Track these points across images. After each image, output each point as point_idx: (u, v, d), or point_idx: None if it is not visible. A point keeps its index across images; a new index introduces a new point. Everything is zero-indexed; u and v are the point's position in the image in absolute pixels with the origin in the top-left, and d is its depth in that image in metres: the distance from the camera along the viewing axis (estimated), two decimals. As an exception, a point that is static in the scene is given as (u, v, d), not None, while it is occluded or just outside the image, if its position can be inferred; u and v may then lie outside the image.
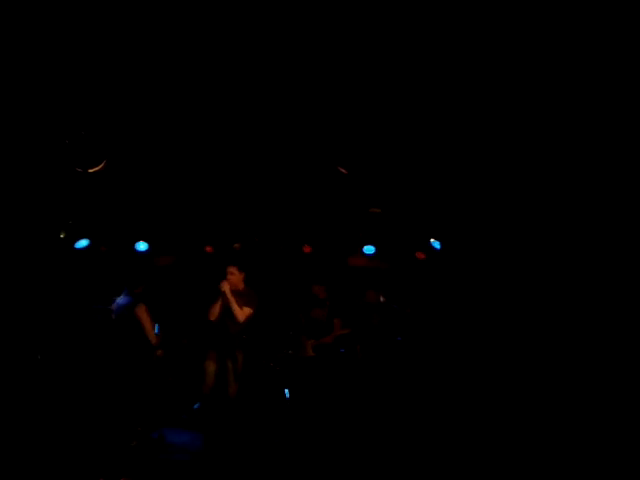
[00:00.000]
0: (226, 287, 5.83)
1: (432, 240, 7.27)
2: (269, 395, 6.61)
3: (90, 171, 5.59)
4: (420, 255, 7.57)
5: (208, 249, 7.89)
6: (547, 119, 5.41)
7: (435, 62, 5.15)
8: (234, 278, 5.94)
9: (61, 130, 5.53)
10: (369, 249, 7.71)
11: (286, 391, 6.76)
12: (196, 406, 6.61)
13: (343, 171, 6.04)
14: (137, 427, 5.81)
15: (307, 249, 7.78)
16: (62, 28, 4.98)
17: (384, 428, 6.09)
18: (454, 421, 6.09)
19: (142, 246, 7.50)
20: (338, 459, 5.15)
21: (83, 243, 7.20)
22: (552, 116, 5.38)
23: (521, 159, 5.82)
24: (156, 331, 6.26)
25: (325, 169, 6.95)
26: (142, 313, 5.86)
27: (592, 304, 5.53)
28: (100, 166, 5.58)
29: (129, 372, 5.94)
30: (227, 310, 5.87)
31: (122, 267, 7.43)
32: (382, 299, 6.66)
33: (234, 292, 5.88)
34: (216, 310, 5.90)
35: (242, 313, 5.85)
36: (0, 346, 6.08)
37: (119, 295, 6.12)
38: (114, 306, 6.12)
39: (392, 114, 5.79)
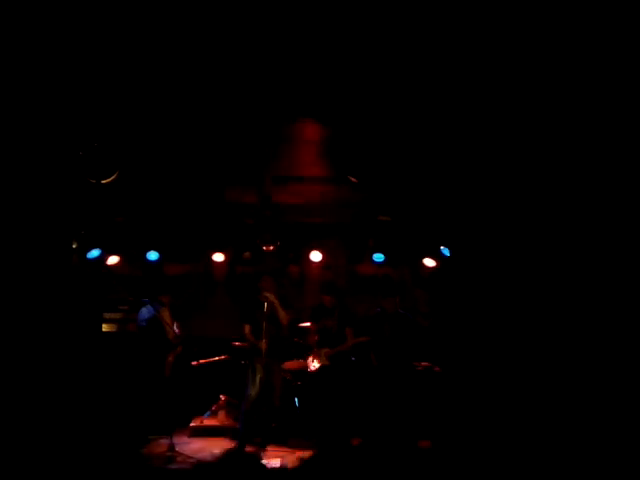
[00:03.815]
0: (271, 296, 6.27)
1: (442, 247, 7.27)
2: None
3: (103, 182, 5.65)
4: (429, 263, 7.56)
5: (219, 258, 7.92)
6: (556, 129, 5.44)
7: (449, 73, 5.20)
8: (271, 287, 6.36)
9: (75, 142, 5.59)
10: (379, 257, 7.71)
11: (296, 400, 6.79)
12: (207, 414, 6.62)
13: (353, 180, 6.08)
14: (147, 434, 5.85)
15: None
16: (79, 42, 5.07)
17: (397, 435, 6.09)
18: (466, 427, 6.08)
19: (153, 255, 7.54)
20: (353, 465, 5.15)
21: (95, 253, 7.25)
22: (562, 127, 5.41)
23: (530, 166, 5.84)
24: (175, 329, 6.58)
25: (333, 177, 7.02)
26: (165, 315, 6.44)
27: (603, 308, 5.53)
28: (113, 177, 5.64)
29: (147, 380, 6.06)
30: (271, 318, 6.28)
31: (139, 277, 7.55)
32: (394, 307, 6.65)
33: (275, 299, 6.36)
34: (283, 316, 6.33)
35: (286, 317, 6.34)
36: (12, 354, 6.11)
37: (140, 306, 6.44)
38: (139, 318, 6.52)
39: (401, 122, 5.82)
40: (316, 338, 6.93)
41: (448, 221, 7.09)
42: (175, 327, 6.60)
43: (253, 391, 6.19)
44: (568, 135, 5.57)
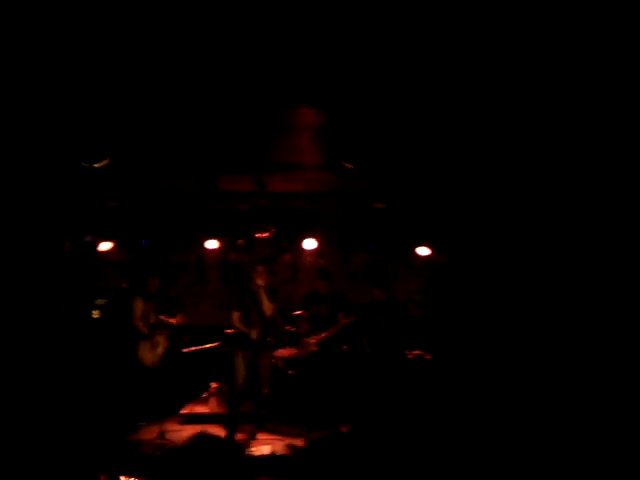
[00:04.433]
0: (260, 286, 6.29)
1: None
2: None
3: (96, 166, 5.60)
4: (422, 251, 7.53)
5: (212, 245, 7.88)
6: (551, 118, 5.39)
7: (447, 58, 5.14)
8: (263, 277, 6.38)
9: (67, 126, 5.53)
10: (373, 245, 7.70)
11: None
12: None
13: (348, 166, 6.03)
14: (137, 421, 5.83)
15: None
16: (70, 27, 5.00)
17: (390, 425, 6.08)
18: (461, 421, 6.06)
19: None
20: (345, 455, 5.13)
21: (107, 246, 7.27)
22: (557, 115, 5.36)
23: (529, 156, 5.79)
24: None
25: (329, 164, 6.96)
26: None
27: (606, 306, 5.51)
28: (105, 161, 5.59)
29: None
30: (256, 306, 6.32)
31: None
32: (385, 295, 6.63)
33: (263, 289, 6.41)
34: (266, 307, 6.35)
35: (270, 309, 6.36)
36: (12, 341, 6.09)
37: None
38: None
39: (398, 109, 5.76)
40: (307, 326, 6.92)
41: (444, 210, 7.05)
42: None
43: (241, 379, 6.20)
44: (569, 124, 5.52)
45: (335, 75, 5.76)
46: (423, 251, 7.51)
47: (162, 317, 6.74)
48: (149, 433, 6.02)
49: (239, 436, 5.95)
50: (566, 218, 5.80)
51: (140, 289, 6.82)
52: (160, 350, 6.65)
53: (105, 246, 7.34)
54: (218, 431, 6.21)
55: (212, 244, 7.75)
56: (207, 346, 7.16)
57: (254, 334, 6.30)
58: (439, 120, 5.97)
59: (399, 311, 6.58)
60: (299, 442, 5.85)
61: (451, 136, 6.08)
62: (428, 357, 6.81)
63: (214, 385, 6.98)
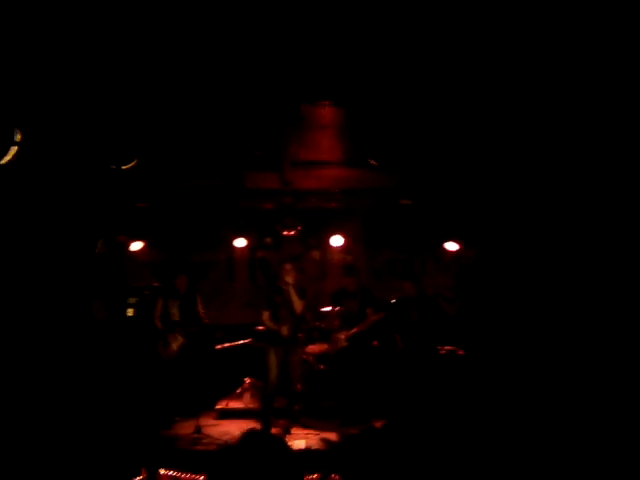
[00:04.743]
0: (289, 284, 6.31)
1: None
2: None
3: (123, 168, 5.69)
4: (450, 247, 7.49)
5: (240, 243, 7.95)
6: (586, 113, 5.33)
7: (475, 50, 5.12)
8: (292, 275, 6.39)
9: (95, 129, 5.63)
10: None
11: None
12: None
13: (373, 163, 6.05)
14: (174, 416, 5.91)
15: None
16: (94, 28, 5.09)
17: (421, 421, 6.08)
18: (494, 416, 6.03)
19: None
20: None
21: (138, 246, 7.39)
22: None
23: (563, 150, 5.72)
24: None
25: (354, 161, 6.98)
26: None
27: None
28: (133, 163, 5.68)
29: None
30: (286, 304, 6.33)
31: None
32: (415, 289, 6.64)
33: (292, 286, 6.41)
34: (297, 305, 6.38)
35: (300, 307, 6.37)
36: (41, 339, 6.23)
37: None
38: None
39: (423, 104, 5.76)
40: (337, 322, 6.96)
41: (471, 205, 7.02)
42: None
43: (273, 375, 6.26)
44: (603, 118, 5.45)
45: (359, 70, 5.77)
46: (451, 246, 7.49)
47: (201, 312, 6.85)
48: (185, 428, 6.12)
49: (274, 430, 6.02)
50: (601, 211, 5.74)
51: (169, 288, 6.93)
52: (174, 346, 6.73)
53: (136, 246, 7.47)
54: (254, 426, 6.31)
55: (240, 242, 7.84)
56: (239, 342, 7.25)
57: (284, 331, 6.36)
58: (466, 114, 5.94)
59: (431, 306, 6.57)
60: (332, 436, 5.91)
61: (478, 130, 6.05)
62: (461, 352, 6.79)
63: (248, 380, 7.07)
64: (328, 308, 7.25)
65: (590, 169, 5.64)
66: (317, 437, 5.94)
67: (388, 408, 6.31)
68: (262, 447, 1.83)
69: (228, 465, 1.74)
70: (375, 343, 6.98)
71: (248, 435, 2.06)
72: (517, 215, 6.47)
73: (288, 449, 1.89)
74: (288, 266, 6.50)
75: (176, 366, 6.62)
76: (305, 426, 6.30)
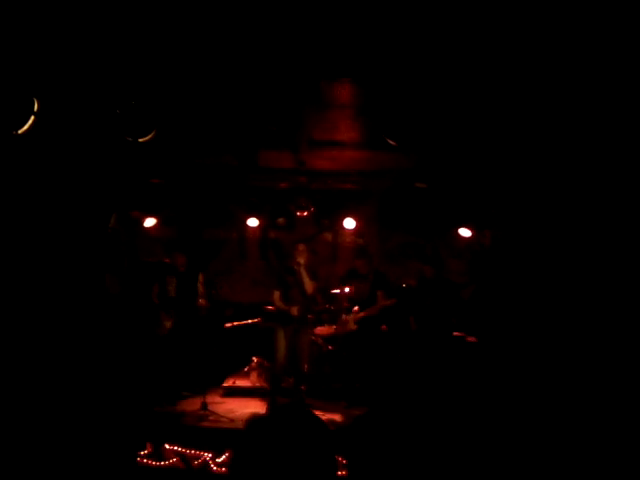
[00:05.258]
0: (301, 265, 6.35)
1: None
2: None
3: (140, 140, 5.64)
4: (464, 232, 7.39)
5: (253, 223, 7.91)
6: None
7: (494, 32, 5.00)
8: (304, 256, 6.43)
9: (112, 100, 5.59)
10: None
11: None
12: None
13: (392, 142, 5.95)
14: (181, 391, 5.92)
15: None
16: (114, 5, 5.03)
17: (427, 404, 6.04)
18: (502, 404, 5.97)
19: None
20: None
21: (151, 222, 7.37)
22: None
23: (579, 136, 5.59)
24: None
25: (370, 142, 6.87)
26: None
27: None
28: (150, 135, 5.63)
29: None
30: (297, 285, 6.41)
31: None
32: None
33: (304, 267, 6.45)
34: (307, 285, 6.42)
35: (312, 288, 6.44)
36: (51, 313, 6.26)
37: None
38: None
39: (444, 82, 5.63)
40: (347, 304, 6.92)
41: (486, 191, 6.91)
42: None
43: (282, 355, 6.27)
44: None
45: (377, 48, 5.65)
46: (465, 232, 7.39)
47: (201, 291, 6.81)
48: (192, 404, 6.14)
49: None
50: (617, 198, 5.61)
51: (167, 265, 6.92)
52: (167, 324, 6.70)
53: (149, 222, 7.45)
54: (258, 404, 6.32)
55: (253, 222, 7.80)
56: (248, 322, 7.25)
57: (294, 311, 6.34)
58: (485, 97, 5.81)
59: (448, 289, 6.51)
60: (338, 418, 5.90)
61: (497, 114, 5.92)
62: (471, 339, 6.72)
63: (255, 359, 7.07)
64: (338, 290, 7.20)
65: (604, 154, 5.52)
66: (323, 417, 5.91)
67: (392, 391, 6.29)
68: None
69: (257, 439, 1.60)
70: (384, 327, 6.94)
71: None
72: (533, 202, 6.36)
73: (323, 423, 1.76)
74: (301, 247, 6.47)
75: (176, 343, 6.62)
76: (311, 407, 6.29)
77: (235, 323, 7.31)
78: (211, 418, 5.83)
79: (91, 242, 6.79)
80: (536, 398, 5.70)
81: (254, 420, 1.65)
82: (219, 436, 5.29)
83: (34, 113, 5.15)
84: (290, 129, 6.82)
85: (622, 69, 4.93)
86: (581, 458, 4.68)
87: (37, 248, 6.02)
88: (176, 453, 5.14)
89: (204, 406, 5.94)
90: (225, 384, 6.90)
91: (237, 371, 7.08)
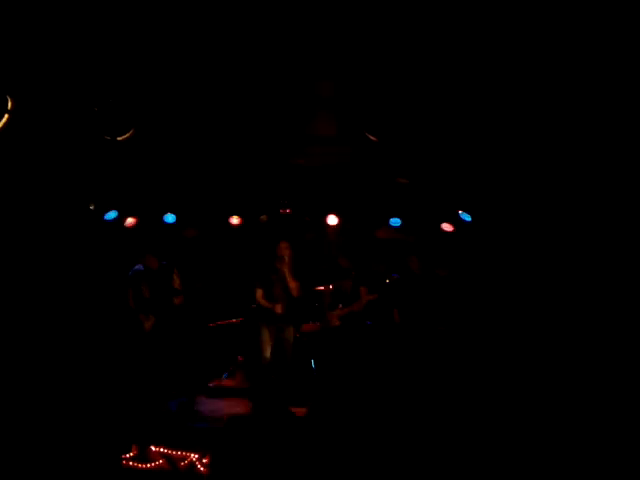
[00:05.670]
0: (285, 263, 6.25)
1: (461, 212, 7.14)
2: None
3: (119, 139, 5.58)
4: (447, 227, 7.44)
5: (235, 221, 7.86)
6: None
7: (473, 26, 5.03)
8: (287, 253, 6.33)
9: (90, 98, 5.51)
10: (395, 221, 7.62)
11: (312, 362, 6.82)
12: (225, 375, 6.67)
13: (372, 138, 5.96)
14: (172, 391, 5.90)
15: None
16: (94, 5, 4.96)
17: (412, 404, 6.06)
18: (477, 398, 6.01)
19: (170, 218, 7.49)
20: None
21: (112, 215, 7.21)
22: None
23: (560, 129, 5.65)
24: None
25: (351, 138, 6.88)
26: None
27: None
28: (129, 134, 5.57)
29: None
30: (281, 282, 6.30)
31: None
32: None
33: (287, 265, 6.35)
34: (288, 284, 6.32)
35: (295, 288, 6.33)
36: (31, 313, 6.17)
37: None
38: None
39: (423, 79, 5.67)
40: (329, 301, 6.92)
41: (468, 184, 6.95)
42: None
43: (267, 353, 6.24)
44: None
45: (356, 46, 5.67)
46: (446, 227, 7.43)
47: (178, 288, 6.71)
48: (178, 405, 6.06)
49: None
50: (601, 193, 5.69)
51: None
52: (147, 325, 6.53)
53: (129, 222, 7.34)
54: (244, 404, 6.29)
55: (235, 220, 7.73)
56: (232, 321, 7.20)
57: (278, 309, 6.31)
58: (466, 92, 5.86)
59: (432, 283, 6.55)
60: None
61: (479, 109, 5.97)
62: (440, 328, 6.74)
63: (241, 359, 7.03)
64: (322, 287, 7.20)
65: (581, 150, 5.60)
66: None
67: (379, 385, 6.29)
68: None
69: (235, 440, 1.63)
70: (368, 323, 6.94)
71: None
72: (514, 194, 6.42)
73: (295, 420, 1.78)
74: (283, 244, 6.43)
75: (159, 343, 6.53)
76: (297, 405, 6.25)
77: (219, 322, 7.26)
78: (197, 418, 5.78)
79: (69, 241, 6.69)
80: (521, 390, 5.76)
81: (233, 420, 1.67)
82: (205, 436, 5.24)
83: (8, 111, 5.06)
84: (270, 126, 6.80)
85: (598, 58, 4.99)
86: (566, 449, 4.73)
87: (16, 247, 5.94)
88: (162, 455, 5.09)
89: (190, 406, 5.88)
90: (210, 384, 6.85)
91: (222, 370, 7.03)
